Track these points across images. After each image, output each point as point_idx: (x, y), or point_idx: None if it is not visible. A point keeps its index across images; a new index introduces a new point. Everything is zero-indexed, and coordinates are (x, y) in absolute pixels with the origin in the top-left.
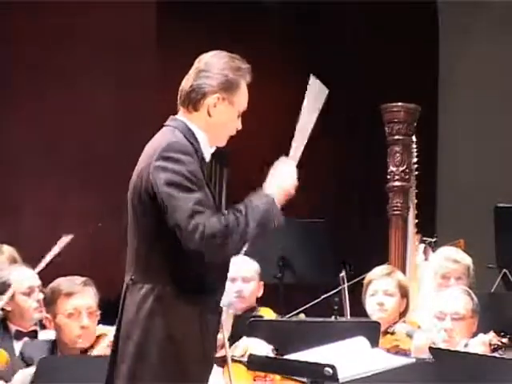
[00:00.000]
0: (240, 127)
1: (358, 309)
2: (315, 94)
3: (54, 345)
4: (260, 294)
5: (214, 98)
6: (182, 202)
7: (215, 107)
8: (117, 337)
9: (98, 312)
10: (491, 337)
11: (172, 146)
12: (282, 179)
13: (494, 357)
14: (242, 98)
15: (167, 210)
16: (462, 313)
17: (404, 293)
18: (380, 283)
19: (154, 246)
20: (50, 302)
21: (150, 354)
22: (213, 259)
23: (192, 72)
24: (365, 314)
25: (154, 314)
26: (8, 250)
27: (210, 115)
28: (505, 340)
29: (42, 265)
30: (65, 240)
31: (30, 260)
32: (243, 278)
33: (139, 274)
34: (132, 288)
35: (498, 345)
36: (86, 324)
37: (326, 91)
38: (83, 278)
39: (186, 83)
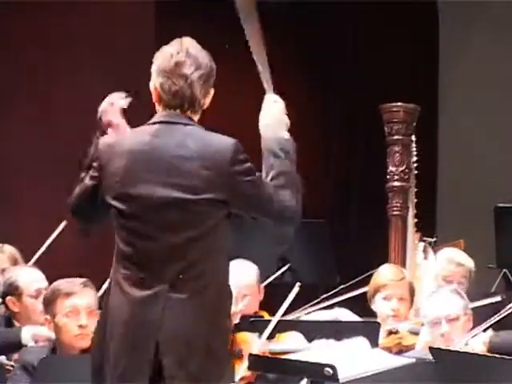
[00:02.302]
0: None
1: (359, 308)
2: (247, 15)
3: (53, 349)
4: (261, 298)
5: (209, 96)
6: (270, 191)
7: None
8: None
9: (98, 312)
10: (489, 336)
11: (239, 147)
12: (275, 117)
13: (494, 357)
14: None
15: (258, 205)
16: (456, 313)
17: (412, 295)
18: (395, 289)
19: (207, 245)
20: (49, 303)
21: (216, 345)
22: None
23: (183, 66)
24: (365, 314)
25: (215, 307)
26: (9, 249)
27: (202, 110)
28: None
29: (38, 253)
30: (60, 226)
31: (30, 259)
32: (243, 296)
33: (187, 272)
34: (179, 285)
35: None
36: (84, 323)
37: (255, 16)
38: (83, 279)
39: (177, 77)
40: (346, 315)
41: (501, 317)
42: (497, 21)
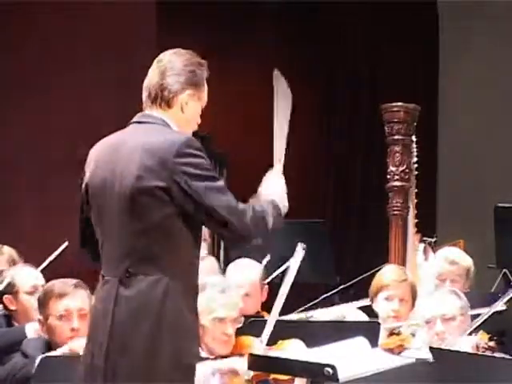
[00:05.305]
0: (199, 122)
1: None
2: (282, 90)
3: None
4: (263, 298)
5: (187, 95)
6: (224, 194)
7: (187, 104)
8: (107, 331)
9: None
10: (478, 339)
11: (190, 142)
12: (273, 191)
13: (494, 357)
14: (205, 93)
15: (206, 204)
16: (451, 313)
17: (414, 297)
18: (397, 290)
19: (157, 239)
20: (42, 304)
21: (162, 347)
22: (253, 241)
23: (156, 71)
24: (365, 314)
25: (163, 304)
26: (8, 251)
27: (182, 111)
28: (491, 343)
29: (39, 269)
30: (62, 246)
31: (30, 261)
32: (244, 295)
33: (137, 267)
34: (128, 281)
35: (485, 348)
36: (76, 327)
37: (289, 93)
38: (75, 280)
39: (151, 82)
40: (352, 312)
41: (485, 318)
42: (497, 21)
